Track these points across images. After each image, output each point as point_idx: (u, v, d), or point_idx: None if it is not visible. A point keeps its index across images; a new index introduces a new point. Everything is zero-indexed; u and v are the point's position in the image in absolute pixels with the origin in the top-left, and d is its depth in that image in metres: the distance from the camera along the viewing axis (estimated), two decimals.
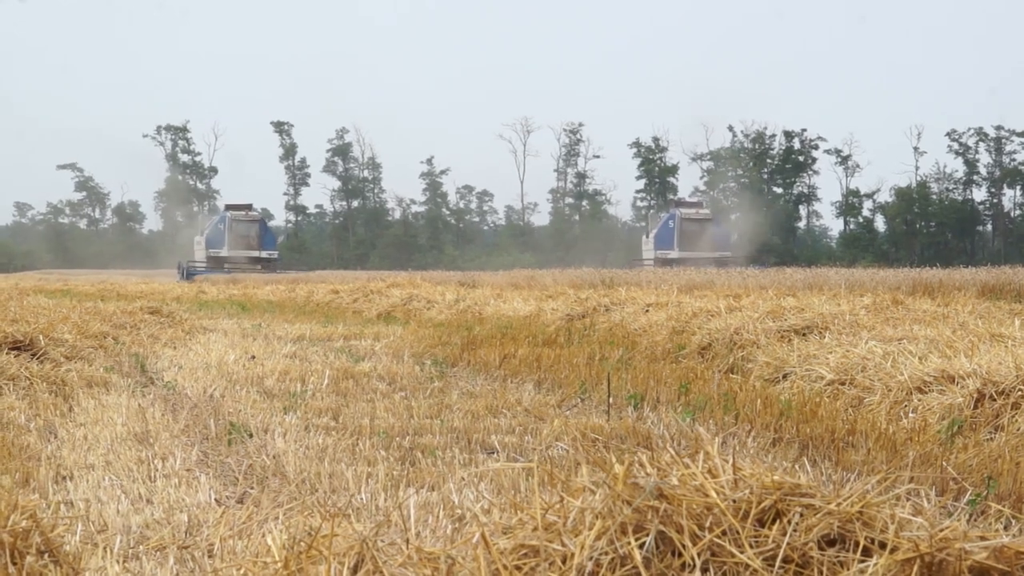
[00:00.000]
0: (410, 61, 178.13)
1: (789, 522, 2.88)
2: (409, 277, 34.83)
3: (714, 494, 2.81)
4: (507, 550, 2.98)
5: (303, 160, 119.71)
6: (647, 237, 71.87)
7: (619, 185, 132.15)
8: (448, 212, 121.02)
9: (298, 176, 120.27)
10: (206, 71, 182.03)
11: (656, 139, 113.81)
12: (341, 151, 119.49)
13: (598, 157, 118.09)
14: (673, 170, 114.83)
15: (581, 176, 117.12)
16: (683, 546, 2.74)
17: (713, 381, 9.84)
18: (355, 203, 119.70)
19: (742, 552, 2.76)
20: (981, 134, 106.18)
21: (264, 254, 74.35)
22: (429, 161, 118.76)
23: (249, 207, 77.37)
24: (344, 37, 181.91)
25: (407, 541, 3.30)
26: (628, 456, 3.08)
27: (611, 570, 2.69)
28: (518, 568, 2.86)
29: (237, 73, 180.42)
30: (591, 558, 2.65)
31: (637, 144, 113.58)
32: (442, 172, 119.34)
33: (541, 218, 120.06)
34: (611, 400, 8.74)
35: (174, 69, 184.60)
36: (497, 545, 2.98)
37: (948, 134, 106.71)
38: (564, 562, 2.76)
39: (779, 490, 2.93)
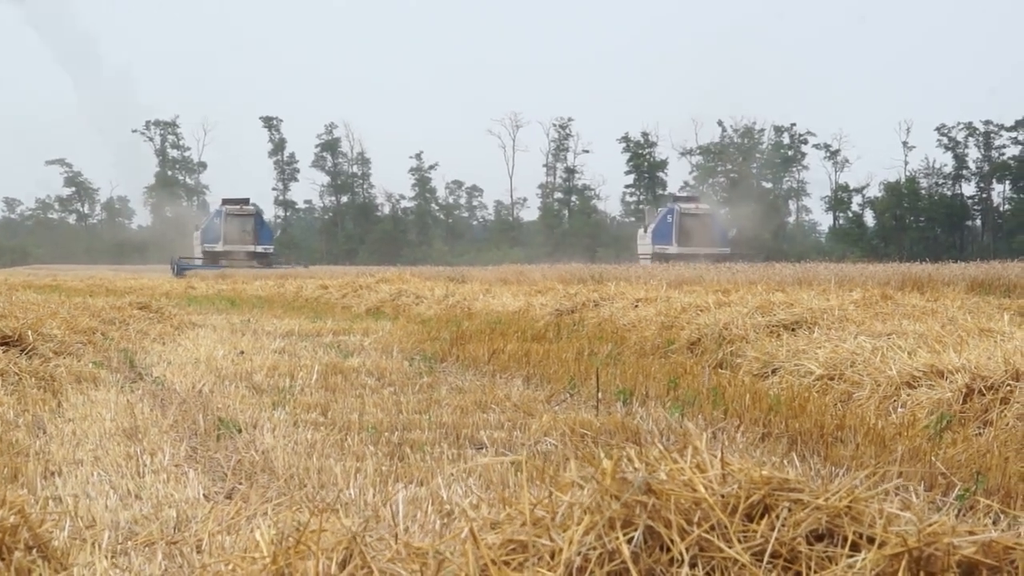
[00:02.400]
0: (398, 56, 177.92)
1: (777, 517, 2.88)
2: (398, 272, 34.81)
3: (702, 489, 2.81)
4: (496, 545, 2.97)
5: (292, 155, 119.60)
6: (644, 232, 71.51)
7: (608, 180, 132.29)
8: (437, 207, 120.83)
9: (287, 171, 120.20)
10: (196, 66, 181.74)
11: (645, 134, 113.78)
12: (330, 146, 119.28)
13: (587, 152, 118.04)
14: (662, 165, 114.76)
15: (570, 171, 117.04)
16: (671, 541, 2.74)
17: (702, 376, 9.84)
18: (344, 198, 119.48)
19: (730, 547, 2.76)
20: (970, 129, 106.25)
21: (260, 248, 74.02)
22: (418, 156, 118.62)
23: (245, 201, 77.03)
24: (333, 31, 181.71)
25: (396, 536, 3.30)
26: (616, 451, 3.07)
27: (599, 565, 2.69)
28: (507, 563, 2.85)
29: (226, 68, 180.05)
30: (579, 553, 2.64)
31: (626, 139, 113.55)
32: (431, 167, 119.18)
33: (530, 213, 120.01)
34: (600, 395, 8.74)
35: (164, 64, 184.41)
36: (486, 540, 2.98)
37: (937, 129, 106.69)
38: (552, 557, 2.76)
39: (767, 485, 2.93)
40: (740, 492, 2.89)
